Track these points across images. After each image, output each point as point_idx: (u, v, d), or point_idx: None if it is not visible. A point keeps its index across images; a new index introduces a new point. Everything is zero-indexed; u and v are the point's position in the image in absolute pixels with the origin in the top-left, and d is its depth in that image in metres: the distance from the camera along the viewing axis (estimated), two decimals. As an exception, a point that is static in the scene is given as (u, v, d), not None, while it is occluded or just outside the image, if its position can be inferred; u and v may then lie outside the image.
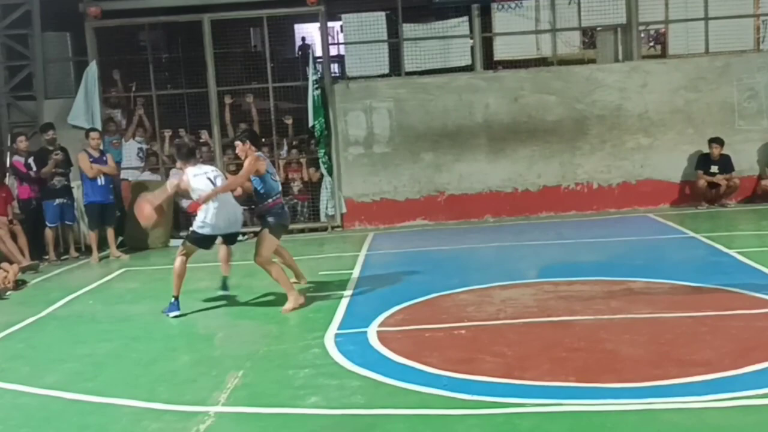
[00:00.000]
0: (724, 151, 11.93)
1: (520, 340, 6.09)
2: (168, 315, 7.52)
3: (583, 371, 5.34)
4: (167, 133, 12.60)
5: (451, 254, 9.85)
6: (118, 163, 11.89)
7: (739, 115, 12.21)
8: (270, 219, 7.65)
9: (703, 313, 6.43)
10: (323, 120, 12.08)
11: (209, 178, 7.66)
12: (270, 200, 7.68)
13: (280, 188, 7.96)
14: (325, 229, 12.34)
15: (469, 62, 12.77)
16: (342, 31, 13.48)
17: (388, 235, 11.66)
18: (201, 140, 12.46)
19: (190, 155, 7.83)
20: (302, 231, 12.27)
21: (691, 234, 9.90)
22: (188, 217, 12.20)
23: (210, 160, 12.55)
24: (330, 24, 14.70)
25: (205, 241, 7.67)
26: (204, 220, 7.51)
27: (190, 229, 7.71)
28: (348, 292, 7.97)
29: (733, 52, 12.50)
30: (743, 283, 7.25)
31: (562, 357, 5.63)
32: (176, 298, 7.59)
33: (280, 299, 7.72)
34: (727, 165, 11.90)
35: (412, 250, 10.27)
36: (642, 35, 13.80)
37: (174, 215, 11.94)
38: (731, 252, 8.66)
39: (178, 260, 7.61)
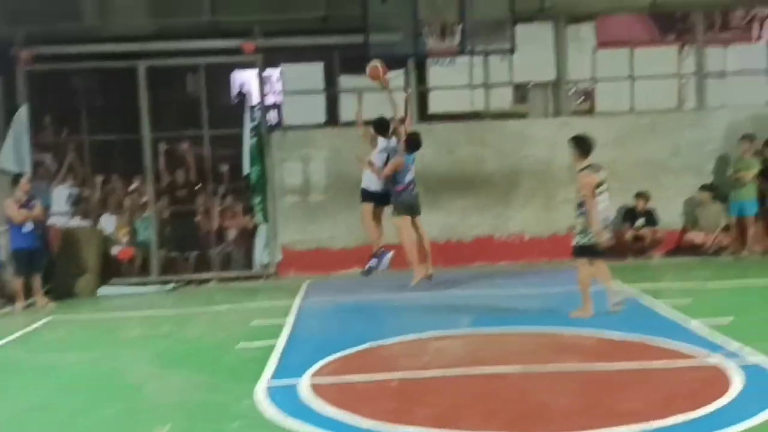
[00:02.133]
0: (649, 205, 12.34)
1: (452, 392, 6.12)
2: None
3: (514, 422, 5.39)
4: (99, 179, 12.40)
5: (386, 304, 9.87)
6: (47, 208, 11.62)
7: (663, 171, 12.66)
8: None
9: (631, 363, 6.57)
10: (259, 168, 12.08)
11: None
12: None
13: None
14: (259, 278, 12.24)
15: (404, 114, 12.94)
16: (280, 79, 13.60)
17: (323, 284, 11.64)
18: (132, 187, 12.32)
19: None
20: (236, 279, 12.15)
21: (619, 286, 10.12)
22: (119, 265, 12.03)
23: (141, 209, 12.42)
24: (269, 72, 14.81)
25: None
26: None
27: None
28: (281, 342, 7.89)
29: (658, 111, 13.04)
30: (668, 334, 7.46)
31: (493, 409, 5.67)
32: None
33: (214, 348, 7.62)
34: (651, 219, 12.30)
35: (347, 300, 10.26)
36: (571, 91, 14.30)
37: (103, 263, 11.72)
38: (656, 303, 8.91)
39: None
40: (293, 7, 12.49)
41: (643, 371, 6.39)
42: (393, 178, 10.30)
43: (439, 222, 12.56)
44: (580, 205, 8.36)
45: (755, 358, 6.50)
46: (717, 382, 5.96)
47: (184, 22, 12.58)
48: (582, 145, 8.55)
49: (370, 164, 10.27)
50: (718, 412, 5.33)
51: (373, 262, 10.46)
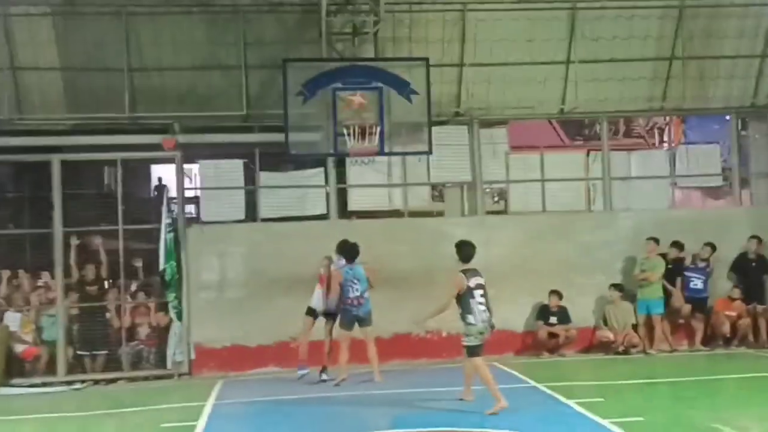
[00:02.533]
0: (562, 303, 12.64)
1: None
2: None
3: None
4: (5, 274, 11.96)
5: (302, 403, 9.68)
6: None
7: (574, 270, 13.04)
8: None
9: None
10: (175, 263, 11.89)
11: None
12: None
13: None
14: (171, 377, 11.85)
15: (325, 211, 13.11)
16: (199, 175, 13.60)
17: (238, 383, 11.34)
18: (41, 282, 11.90)
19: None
20: (147, 379, 11.74)
21: (533, 383, 10.25)
22: (23, 364, 11.49)
23: (48, 305, 12.00)
24: (188, 166, 14.80)
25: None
26: None
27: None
28: (192, 447, 7.62)
29: (568, 212, 13.54)
30: (583, 433, 7.54)
31: None
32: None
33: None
34: (564, 316, 12.59)
35: (262, 399, 10.02)
36: (486, 192, 14.77)
37: (6, 362, 11.17)
38: (570, 402, 9.01)
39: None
40: (214, 105, 12.62)
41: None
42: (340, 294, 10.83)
43: (356, 319, 12.51)
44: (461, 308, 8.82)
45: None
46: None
47: (103, 117, 12.53)
48: (462, 251, 9.24)
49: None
50: None
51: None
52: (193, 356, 12.06)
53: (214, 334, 12.25)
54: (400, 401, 9.52)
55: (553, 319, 12.55)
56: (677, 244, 12.78)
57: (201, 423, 8.67)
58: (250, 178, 13.01)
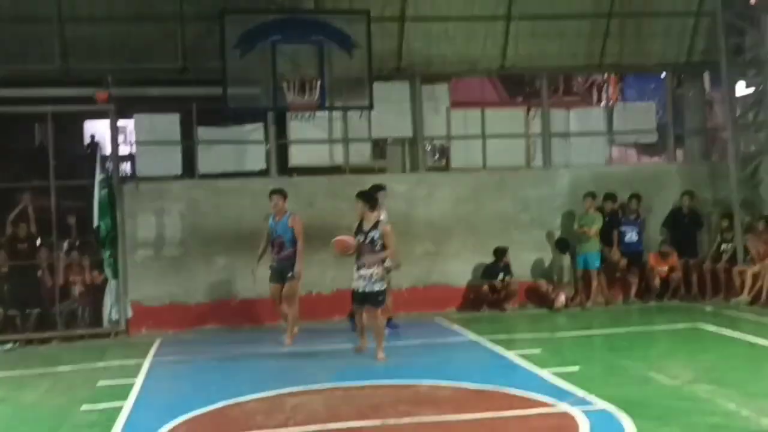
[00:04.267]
0: (506, 260, 12.76)
1: (309, 449, 5.99)
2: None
3: (371, 478, 5.32)
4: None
5: (243, 360, 9.61)
6: None
7: (514, 226, 13.19)
8: None
9: (483, 414, 6.69)
10: (109, 220, 11.59)
11: None
12: None
13: None
14: (108, 336, 11.62)
15: (265, 167, 12.92)
16: (134, 130, 13.23)
17: (177, 341, 11.19)
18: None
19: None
20: (82, 338, 11.49)
21: (475, 337, 10.39)
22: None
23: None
24: (123, 122, 14.38)
25: None
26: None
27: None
28: (129, 404, 7.49)
29: (508, 168, 13.63)
30: (520, 383, 7.68)
31: (350, 464, 5.60)
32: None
33: (54, 413, 7.13)
34: (509, 272, 12.73)
35: (202, 357, 9.92)
36: (427, 148, 14.75)
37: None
38: (509, 354, 9.16)
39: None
40: (150, 57, 12.22)
41: (496, 421, 6.52)
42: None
43: (297, 275, 12.45)
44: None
45: (600, 404, 6.78)
46: (566, 429, 6.16)
47: (32, 69, 12.03)
48: (370, 198, 9.45)
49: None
50: (566, 459, 5.50)
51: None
52: (130, 315, 11.84)
53: (151, 292, 12.04)
54: (341, 357, 9.54)
55: (500, 276, 12.65)
56: (610, 197, 12.99)
57: (139, 381, 8.55)
58: (187, 134, 12.70)
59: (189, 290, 12.17)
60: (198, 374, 8.83)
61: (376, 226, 9.21)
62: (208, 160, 12.71)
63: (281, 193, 10.35)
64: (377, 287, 9.07)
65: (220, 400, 7.42)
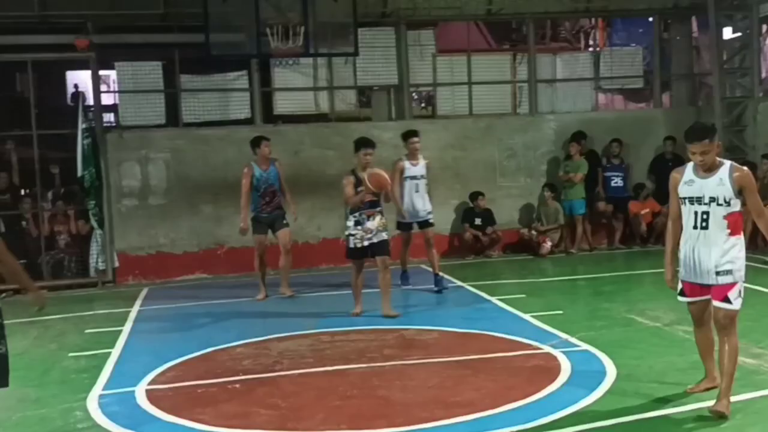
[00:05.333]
0: (487, 205, 12.81)
1: (295, 391, 6.08)
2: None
3: (356, 418, 5.43)
4: None
5: (230, 307, 9.68)
6: None
7: (500, 173, 13.20)
8: None
9: (468, 356, 6.80)
10: (94, 170, 11.52)
11: None
12: None
13: None
14: (95, 285, 11.65)
15: (249, 115, 12.82)
16: (116, 78, 13.06)
17: (164, 290, 11.25)
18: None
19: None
20: (69, 287, 11.50)
21: (459, 283, 10.48)
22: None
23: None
24: (106, 72, 14.18)
25: None
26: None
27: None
28: (117, 350, 7.57)
29: (494, 115, 13.59)
30: (504, 327, 7.79)
31: (336, 405, 5.69)
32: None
33: (43, 360, 7.19)
34: (489, 218, 12.79)
35: (189, 305, 9.97)
36: (414, 96, 14.65)
37: None
38: (493, 299, 9.27)
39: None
40: (130, 3, 12.01)
41: (480, 363, 6.64)
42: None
43: (284, 224, 12.47)
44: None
45: (582, 346, 6.90)
46: (548, 369, 6.27)
47: (9, 15, 11.80)
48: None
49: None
50: (548, 398, 5.61)
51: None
52: (116, 264, 11.87)
53: (137, 242, 12.06)
54: (328, 304, 9.62)
55: (477, 221, 12.73)
56: (581, 135, 12.92)
57: (126, 328, 8.62)
58: (170, 82, 12.56)
59: (175, 239, 12.18)
60: (185, 322, 8.90)
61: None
62: (191, 108, 12.60)
63: (268, 139, 10.06)
64: (385, 235, 8.55)
65: (207, 346, 7.50)
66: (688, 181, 5.14)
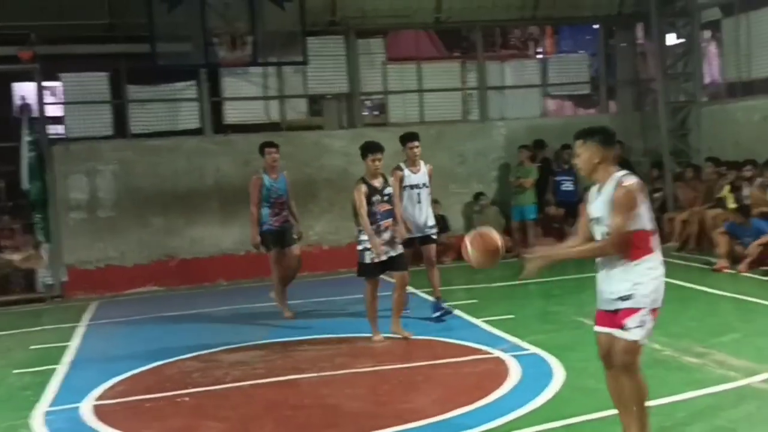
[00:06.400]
0: (440, 212, 12.87)
1: (245, 403, 6.04)
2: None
3: (306, 428, 5.41)
4: None
5: (181, 320, 9.57)
6: None
7: (451, 180, 13.28)
8: None
9: (419, 363, 6.82)
10: (40, 183, 11.31)
11: None
12: None
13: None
14: (42, 300, 11.42)
15: (199, 125, 12.72)
16: (62, 90, 12.86)
17: (113, 304, 11.08)
18: None
19: None
20: (16, 303, 11.26)
21: (412, 290, 10.46)
22: None
23: None
24: (53, 83, 13.95)
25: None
26: None
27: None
28: (63, 366, 7.43)
29: (445, 122, 13.69)
30: (455, 333, 7.84)
31: (286, 416, 5.67)
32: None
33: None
34: (443, 225, 12.83)
35: (139, 318, 9.83)
36: (365, 104, 14.68)
37: None
38: (445, 306, 9.28)
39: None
40: (74, 14, 11.81)
41: (430, 369, 6.66)
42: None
43: (237, 234, 12.38)
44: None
45: (531, 349, 6.97)
46: (498, 374, 6.31)
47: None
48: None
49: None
50: (497, 402, 5.65)
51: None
52: (65, 278, 11.65)
53: (87, 255, 11.86)
54: (276, 314, 9.55)
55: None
56: (540, 144, 13.13)
57: (74, 343, 8.48)
58: (117, 92, 12.40)
59: (125, 252, 12.01)
60: (134, 335, 8.79)
61: (386, 180, 7.89)
62: (139, 119, 12.48)
63: (275, 146, 9.12)
64: (401, 249, 7.74)
65: (157, 359, 7.41)
66: (590, 200, 4.45)
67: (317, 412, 5.72)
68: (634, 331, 4.24)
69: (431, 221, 8.73)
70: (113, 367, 7.15)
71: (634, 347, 4.27)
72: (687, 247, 12.01)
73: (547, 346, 6.98)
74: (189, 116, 12.77)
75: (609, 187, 4.28)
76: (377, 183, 7.67)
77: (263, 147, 9.10)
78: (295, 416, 5.65)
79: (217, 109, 12.91)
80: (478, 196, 13.13)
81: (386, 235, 7.56)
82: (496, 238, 5.18)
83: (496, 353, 6.92)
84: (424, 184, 8.68)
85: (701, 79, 13.60)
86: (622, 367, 4.31)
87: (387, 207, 7.62)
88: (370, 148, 7.81)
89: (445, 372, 6.57)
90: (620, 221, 4.19)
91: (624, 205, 4.20)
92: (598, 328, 4.49)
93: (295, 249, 9.07)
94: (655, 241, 4.33)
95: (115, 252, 11.98)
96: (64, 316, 10.21)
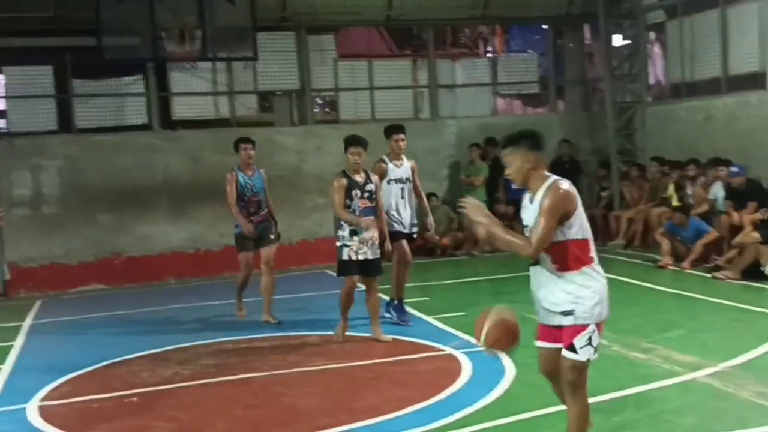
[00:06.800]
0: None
1: (196, 402, 5.97)
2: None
3: (259, 427, 5.37)
4: None
5: (129, 319, 9.41)
6: None
7: (403, 177, 13.29)
8: None
9: (372, 361, 6.82)
10: (-19, 179, 11.01)
11: None
12: None
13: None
14: (-16, 300, 11.14)
15: (147, 121, 12.52)
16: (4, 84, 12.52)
17: (58, 302, 10.83)
18: None
19: None
20: (-44, 302, 10.96)
21: (362, 287, 10.48)
22: None
23: None
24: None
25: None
26: None
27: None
28: (7, 366, 7.24)
29: (396, 119, 13.64)
30: (407, 330, 7.87)
31: (238, 415, 5.61)
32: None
33: None
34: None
35: (85, 317, 9.64)
36: (316, 101, 14.63)
37: None
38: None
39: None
40: (17, 5, 11.50)
41: (383, 366, 6.67)
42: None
43: (186, 231, 12.26)
44: None
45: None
46: (450, 371, 6.36)
47: None
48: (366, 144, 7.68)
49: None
50: (450, 399, 5.69)
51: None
52: (7, 277, 11.36)
53: (30, 253, 11.57)
54: (231, 312, 9.46)
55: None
56: (491, 141, 13.25)
57: (18, 343, 8.28)
58: (62, 87, 12.12)
59: (70, 250, 11.76)
60: (81, 335, 8.61)
61: (369, 177, 7.56)
62: (85, 114, 12.22)
63: (250, 142, 8.73)
64: (378, 253, 7.52)
65: (104, 359, 7.28)
66: (524, 205, 4.16)
67: (270, 411, 5.69)
68: (582, 351, 4.04)
69: (414, 219, 8.44)
70: (59, 367, 7.00)
71: (582, 366, 4.09)
72: (633, 244, 12.26)
73: (498, 343, 7.03)
74: (136, 111, 12.56)
75: (541, 193, 4.00)
76: (359, 178, 7.41)
77: (238, 143, 8.76)
78: (248, 415, 5.61)
79: (165, 105, 12.72)
80: (429, 197, 13.14)
81: (366, 234, 7.26)
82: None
83: (449, 350, 6.97)
84: (407, 179, 8.35)
85: (646, 80, 13.89)
86: (569, 386, 4.13)
87: (367, 204, 7.35)
88: (350, 141, 7.56)
89: (398, 369, 6.59)
90: (546, 224, 3.91)
91: (553, 209, 3.92)
92: (540, 344, 4.26)
93: (272, 248, 8.61)
94: (593, 249, 4.11)
95: (60, 250, 11.72)
96: (7, 315, 9.94)
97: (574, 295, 4.00)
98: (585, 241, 4.04)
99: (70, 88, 12.03)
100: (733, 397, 5.44)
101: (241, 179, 8.55)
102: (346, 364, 6.79)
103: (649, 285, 9.50)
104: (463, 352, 6.82)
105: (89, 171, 11.91)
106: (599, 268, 4.10)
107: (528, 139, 4.11)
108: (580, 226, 4.02)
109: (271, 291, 8.62)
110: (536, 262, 4.08)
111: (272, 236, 8.66)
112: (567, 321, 4.03)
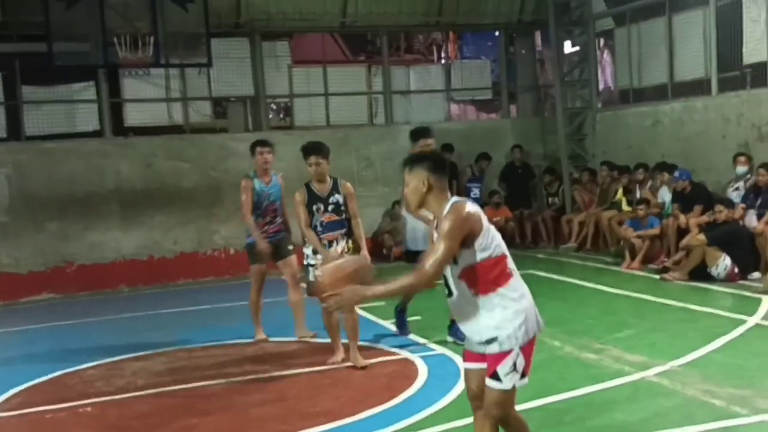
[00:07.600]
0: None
1: (150, 411, 5.92)
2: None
3: (214, 435, 5.35)
4: None
5: (80, 328, 9.28)
6: None
7: (358, 183, 13.32)
8: None
9: (327, 366, 6.83)
10: (-74, 187, 10.75)
11: None
12: None
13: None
14: (-71, 311, 10.86)
15: (98, 127, 12.37)
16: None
17: (8, 313, 10.63)
18: None
19: None
20: None
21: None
22: None
23: None
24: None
25: None
26: None
27: None
28: (-46, 380, 7.08)
29: (351, 125, 13.76)
30: (365, 335, 7.81)
31: (192, 424, 5.59)
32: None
33: None
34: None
35: (35, 327, 9.47)
36: (271, 107, 14.61)
37: None
38: (357, 308, 9.33)
39: None
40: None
41: (340, 371, 6.69)
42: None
43: (139, 238, 12.12)
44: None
45: (438, 350, 7.11)
46: (406, 374, 6.41)
47: None
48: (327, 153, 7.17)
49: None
50: (406, 402, 5.74)
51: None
52: (-46, 287, 11.11)
53: (-23, 263, 11.35)
54: (186, 320, 9.43)
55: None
56: (448, 147, 13.36)
57: (-35, 355, 8.08)
58: (11, 93, 11.91)
59: (19, 258, 11.55)
60: (32, 345, 8.45)
61: (335, 186, 6.96)
62: (35, 121, 12.04)
63: (268, 145, 7.94)
64: None
65: (56, 369, 7.17)
66: (435, 236, 3.86)
67: (225, 419, 5.67)
68: (506, 379, 3.75)
69: None
70: (10, 378, 6.88)
71: (508, 397, 3.82)
72: (584, 247, 12.48)
73: (453, 347, 7.11)
74: (87, 118, 12.43)
75: (443, 216, 3.75)
76: (322, 189, 6.83)
77: (254, 146, 7.87)
78: (203, 424, 5.58)
79: (117, 111, 12.59)
80: (393, 204, 13.22)
81: (330, 250, 6.57)
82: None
83: (404, 354, 7.02)
84: None
85: (596, 86, 14.16)
86: (493, 419, 3.85)
87: (333, 218, 6.74)
88: (308, 150, 6.94)
89: (353, 374, 6.62)
90: (446, 246, 3.63)
91: (453, 230, 3.65)
92: (467, 365, 4.00)
93: (293, 259, 7.85)
94: (511, 262, 3.86)
95: (8, 258, 11.50)
96: (-47, 326, 9.73)
97: (495, 320, 3.75)
98: (501, 258, 3.80)
99: (20, 94, 11.83)
100: (681, 395, 5.58)
101: (257, 187, 7.75)
102: (301, 369, 6.80)
103: (600, 287, 9.68)
104: (418, 356, 6.89)
105: (38, 178, 11.72)
106: (519, 283, 3.86)
107: (429, 160, 3.89)
108: (493, 244, 3.77)
109: (301, 305, 7.91)
110: (450, 294, 3.84)
111: (290, 247, 7.88)
112: (491, 349, 3.78)
